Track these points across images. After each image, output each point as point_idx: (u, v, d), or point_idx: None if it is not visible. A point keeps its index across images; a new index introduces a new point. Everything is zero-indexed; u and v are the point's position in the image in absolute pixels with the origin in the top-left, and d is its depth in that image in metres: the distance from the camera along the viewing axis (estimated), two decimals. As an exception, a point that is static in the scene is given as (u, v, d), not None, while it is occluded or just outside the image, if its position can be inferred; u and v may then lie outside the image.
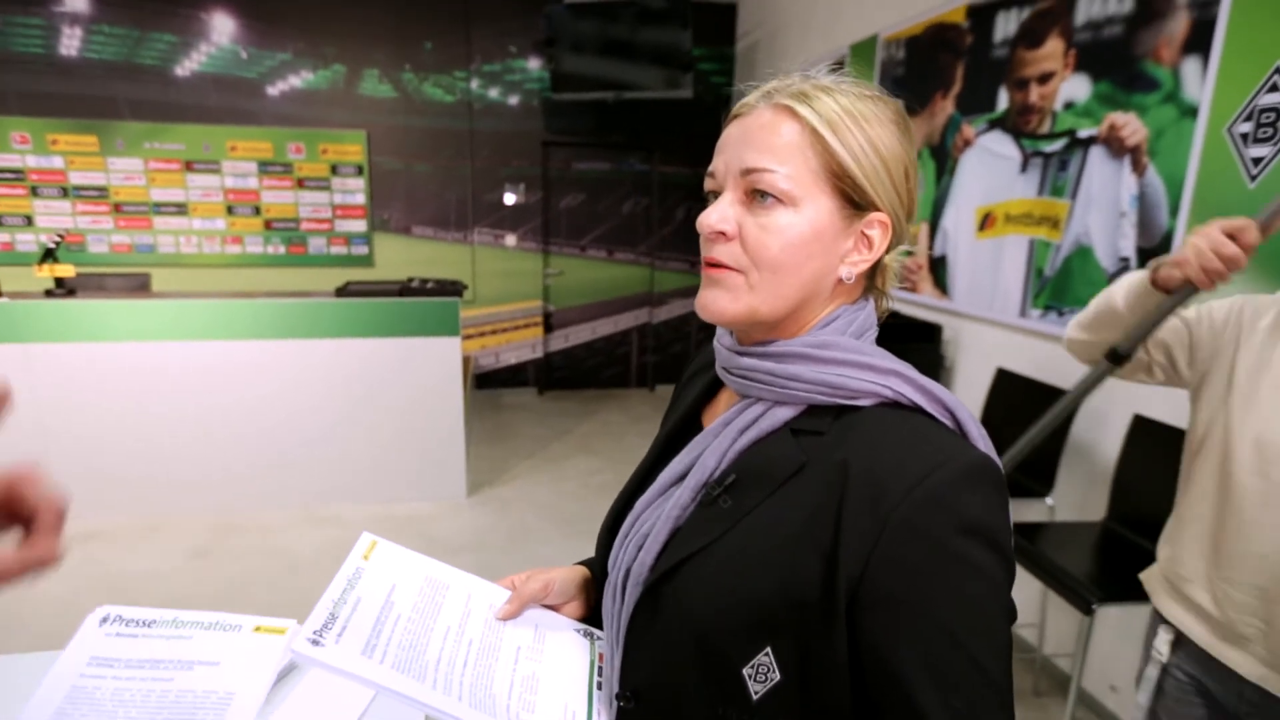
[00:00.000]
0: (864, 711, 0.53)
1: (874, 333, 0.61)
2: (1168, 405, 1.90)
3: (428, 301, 3.34)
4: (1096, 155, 2.11)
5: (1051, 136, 2.28)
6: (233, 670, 0.65)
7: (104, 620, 0.67)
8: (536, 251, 5.30)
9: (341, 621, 0.56)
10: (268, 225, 4.78)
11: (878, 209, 0.57)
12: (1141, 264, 1.95)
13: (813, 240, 0.56)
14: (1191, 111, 1.81)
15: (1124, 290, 1.12)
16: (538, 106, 5.03)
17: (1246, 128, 1.66)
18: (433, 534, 3.19)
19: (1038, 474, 2.20)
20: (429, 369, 3.39)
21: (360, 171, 4.82)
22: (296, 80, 4.65)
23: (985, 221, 2.62)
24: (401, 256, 5.00)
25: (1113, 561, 1.81)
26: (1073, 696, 1.75)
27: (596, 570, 0.72)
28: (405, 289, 3.37)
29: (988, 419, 2.46)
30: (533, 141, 5.10)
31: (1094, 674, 2.14)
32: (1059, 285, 2.27)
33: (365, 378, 3.35)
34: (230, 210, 4.71)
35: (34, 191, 4.46)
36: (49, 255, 3.23)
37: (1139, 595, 1.65)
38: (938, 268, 2.91)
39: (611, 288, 5.54)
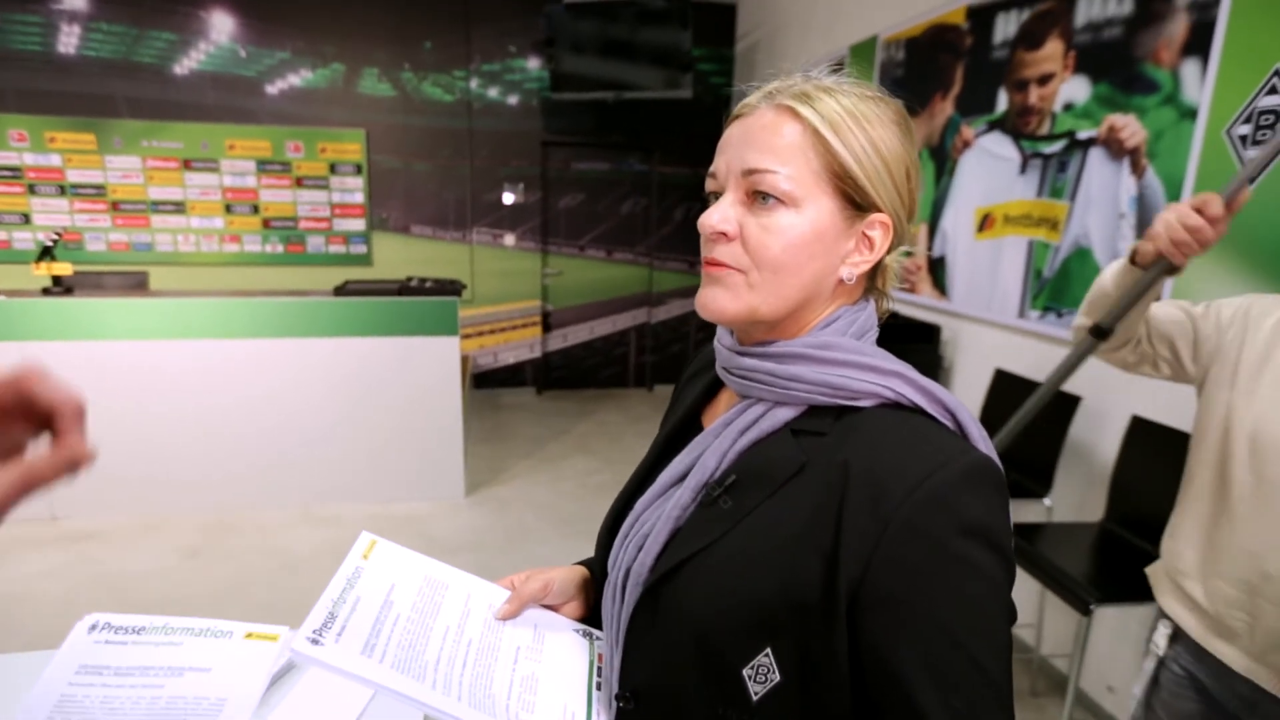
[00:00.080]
0: (864, 712, 0.53)
1: (874, 333, 0.61)
2: (1166, 406, 1.91)
3: (426, 301, 3.34)
4: (1096, 157, 2.12)
5: (1051, 138, 2.29)
6: (224, 676, 0.65)
7: (93, 628, 0.67)
8: (535, 251, 5.30)
9: (341, 621, 0.56)
10: (266, 224, 4.77)
11: (879, 210, 0.57)
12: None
13: (814, 241, 0.56)
14: (1191, 113, 1.81)
15: (1111, 272, 1.15)
16: (537, 106, 5.02)
17: (1245, 130, 1.66)
18: (431, 533, 3.19)
19: (1036, 475, 2.20)
20: (427, 368, 3.39)
21: (359, 170, 4.82)
22: (295, 79, 4.64)
23: (984, 222, 2.62)
24: (400, 256, 5.00)
25: (1111, 562, 1.81)
26: (1070, 697, 1.75)
27: (596, 570, 0.72)
28: (404, 288, 3.37)
29: (986, 420, 2.46)
30: (532, 141, 5.10)
31: (1091, 674, 2.14)
32: (1058, 286, 2.27)
33: (363, 377, 3.34)
34: (228, 209, 4.70)
35: (31, 189, 4.45)
36: (46, 253, 3.22)
37: (1137, 596, 1.67)
38: (937, 268, 2.91)
39: (610, 288, 5.54)
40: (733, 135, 0.58)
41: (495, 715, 0.57)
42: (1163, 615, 1.16)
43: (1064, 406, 2.16)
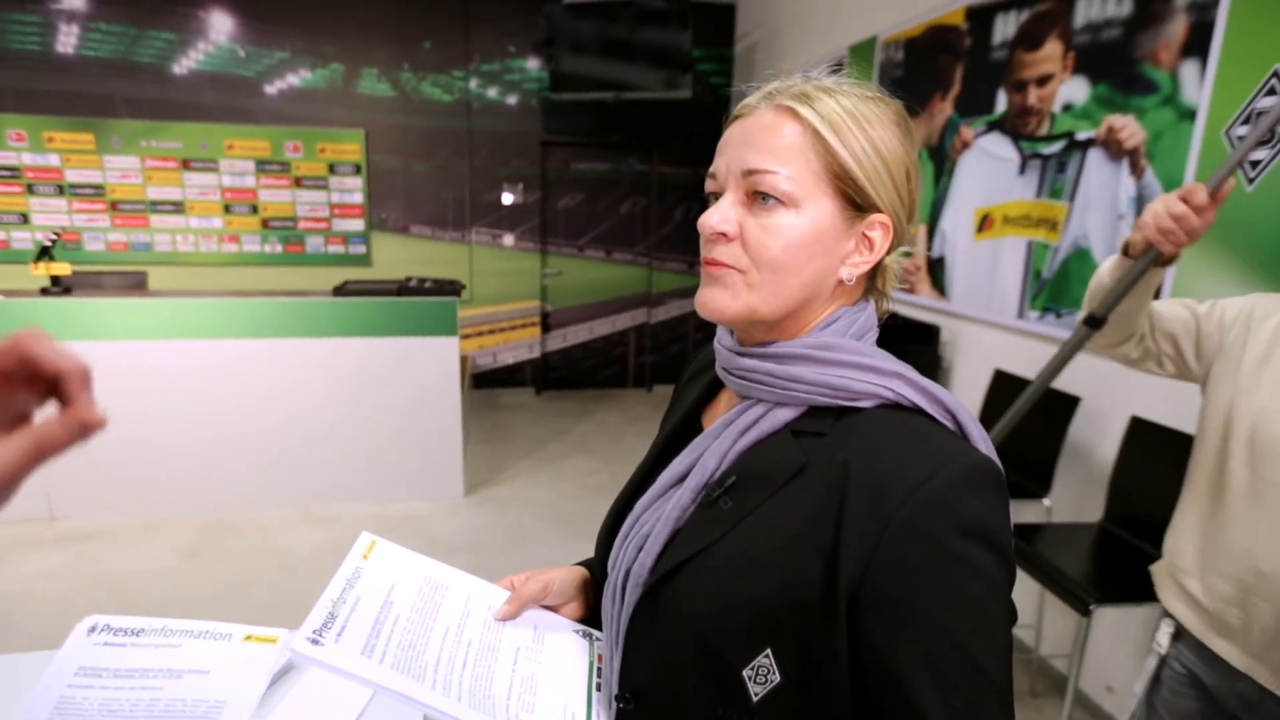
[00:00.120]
0: (864, 713, 0.53)
1: (874, 334, 0.61)
2: (1165, 407, 1.91)
3: (425, 301, 3.33)
4: (1095, 157, 2.12)
5: (1050, 138, 2.29)
6: (223, 679, 0.65)
7: (92, 629, 0.67)
8: (534, 251, 5.30)
9: (341, 621, 0.56)
10: (265, 224, 4.77)
11: (879, 210, 0.57)
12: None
13: (814, 241, 0.56)
14: (1190, 114, 1.82)
15: (1107, 266, 1.17)
16: (536, 106, 5.02)
17: (1244, 130, 1.66)
18: (430, 534, 3.19)
19: (1035, 475, 2.21)
20: (426, 369, 3.39)
21: (358, 170, 4.82)
22: (294, 79, 4.64)
23: (983, 223, 2.63)
24: (399, 256, 5.00)
25: (1110, 563, 1.81)
26: (1069, 697, 1.75)
27: (596, 571, 0.72)
28: (403, 288, 3.37)
29: (985, 420, 2.46)
30: (531, 141, 5.10)
31: (1091, 675, 2.14)
32: (1057, 287, 2.27)
33: (363, 377, 3.34)
34: (227, 209, 4.70)
35: (30, 189, 4.44)
36: (45, 253, 3.22)
37: (1136, 596, 1.67)
38: (936, 269, 2.91)
39: (609, 288, 5.54)
40: (732, 136, 0.58)
41: (495, 716, 0.57)
42: (1166, 614, 1.17)
43: (1063, 407, 2.17)
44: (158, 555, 2.92)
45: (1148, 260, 1.08)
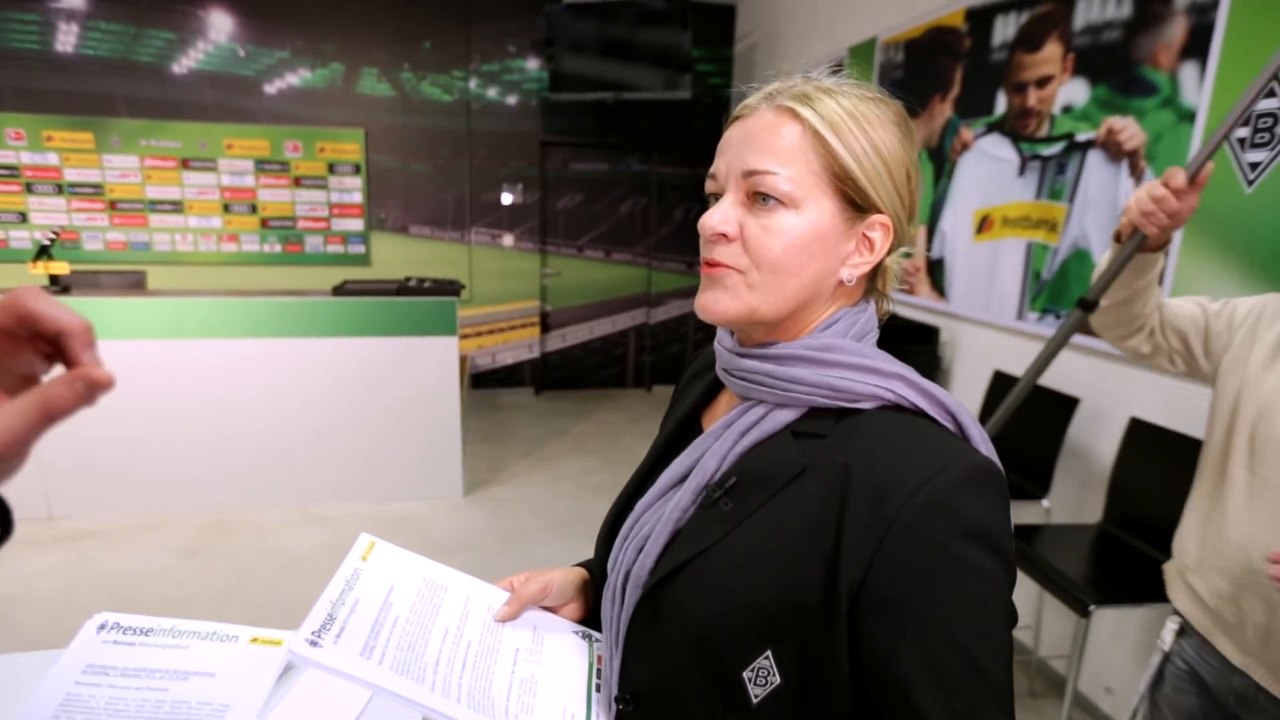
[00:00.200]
0: (864, 714, 0.53)
1: (875, 335, 0.61)
2: (1164, 408, 1.91)
3: (425, 301, 3.33)
4: (1094, 159, 2.12)
5: (1049, 140, 2.29)
6: (229, 682, 0.65)
7: (101, 627, 0.67)
8: (534, 251, 5.30)
9: (340, 622, 0.56)
10: (264, 223, 4.76)
11: (879, 211, 0.57)
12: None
13: (814, 242, 0.56)
14: (1189, 116, 1.82)
15: (1105, 255, 1.21)
16: (536, 106, 5.02)
17: (1244, 133, 1.67)
18: (429, 534, 3.19)
19: (1034, 476, 2.21)
20: (426, 369, 3.39)
21: (357, 170, 4.81)
22: (294, 78, 4.64)
23: (983, 224, 2.63)
24: (398, 256, 4.99)
25: (1109, 564, 1.81)
26: (1068, 698, 1.76)
27: (595, 572, 0.72)
28: (402, 288, 3.37)
29: (984, 421, 2.47)
30: (531, 141, 5.10)
31: (1089, 676, 2.14)
32: (1056, 288, 2.27)
33: (362, 377, 3.34)
34: (227, 208, 4.69)
35: (29, 188, 4.44)
36: (43, 252, 3.22)
37: (1135, 597, 1.67)
38: (935, 270, 2.92)
39: (609, 288, 5.54)
40: (733, 136, 0.58)
41: (494, 717, 0.57)
42: (1174, 611, 1.19)
43: (1062, 408, 2.17)
44: (156, 555, 2.91)
45: (1134, 243, 1.11)
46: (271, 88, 4.62)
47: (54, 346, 0.36)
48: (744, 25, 5.06)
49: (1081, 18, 2.16)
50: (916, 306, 3.04)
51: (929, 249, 2.94)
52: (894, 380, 0.56)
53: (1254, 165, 1.65)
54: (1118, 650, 2.04)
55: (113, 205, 4.55)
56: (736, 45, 5.19)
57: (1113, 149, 2.06)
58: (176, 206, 4.63)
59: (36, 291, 0.35)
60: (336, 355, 3.29)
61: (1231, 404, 1.07)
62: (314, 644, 0.53)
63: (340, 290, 3.36)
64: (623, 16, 4.46)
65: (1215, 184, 1.73)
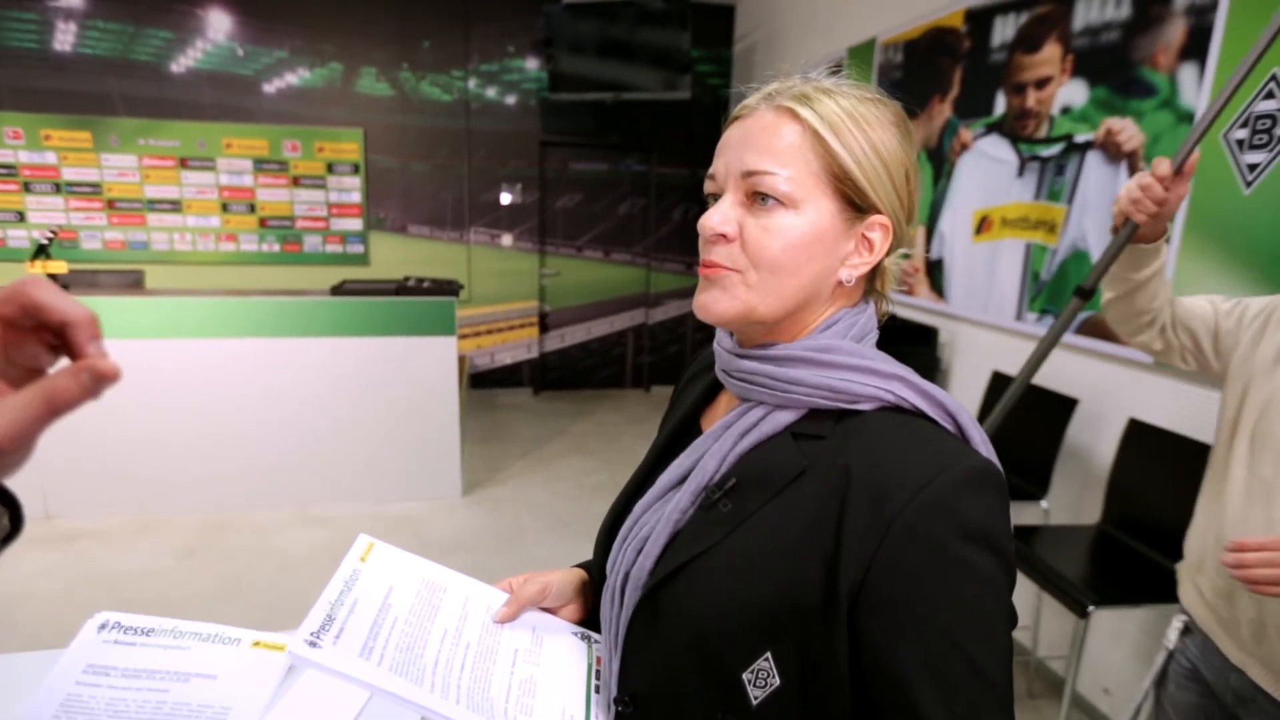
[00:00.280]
0: (864, 716, 0.53)
1: (874, 336, 0.61)
2: (1163, 409, 1.91)
3: (423, 301, 3.33)
4: (1093, 160, 2.12)
5: (1048, 141, 2.29)
6: (230, 685, 0.64)
7: (102, 626, 0.67)
8: (532, 251, 5.29)
9: (339, 623, 0.56)
10: (263, 223, 4.76)
11: (878, 211, 0.57)
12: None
13: (814, 242, 0.56)
14: (1188, 117, 1.82)
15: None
16: (535, 106, 5.02)
17: (1242, 134, 1.67)
18: (427, 534, 3.18)
19: (1033, 477, 2.21)
20: (424, 368, 3.38)
21: (356, 170, 4.81)
22: (293, 78, 4.63)
23: (982, 225, 2.63)
24: (397, 255, 4.99)
25: (1107, 565, 1.82)
26: (1067, 699, 1.76)
27: (594, 573, 0.72)
28: (401, 288, 3.36)
29: (983, 421, 2.47)
30: (530, 141, 5.10)
31: (1088, 677, 2.14)
32: (1055, 289, 2.28)
33: (360, 377, 3.34)
34: (225, 208, 4.69)
35: (27, 187, 4.43)
36: (41, 251, 3.21)
37: (1134, 598, 1.67)
38: (934, 271, 2.92)
39: (608, 288, 5.54)
40: (732, 137, 0.58)
41: (493, 718, 0.57)
42: (1181, 610, 1.20)
43: (1061, 409, 2.17)
44: (154, 555, 2.91)
45: (1126, 233, 1.14)
46: (270, 87, 4.61)
47: (59, 338, 0.35)
48: (743, 26, 5.06)
49: (1080, 19, 2.16)
50: (915, 307, 3.04)
51: (928, 250, 2.94)
52: (893, 381, 0.56)
53: (1252, 167, 1.65)
54: (1116, 651, 2.04)
55: (111, 204, 4.55)
56: (736, 46, 5.19)
57: (1112, 150, 2.06)
58: (175, 206, 4.62)
59: (42, 281, 0.34)
60: (335, 355, 3.29)
61: (1237, 403, 1.07)
62: (313, 645, 0.53)
63: (339, 290, 3.36)
64: (622, 16, 4.46)
65: (1214, 185, 1.74)
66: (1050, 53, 2.28)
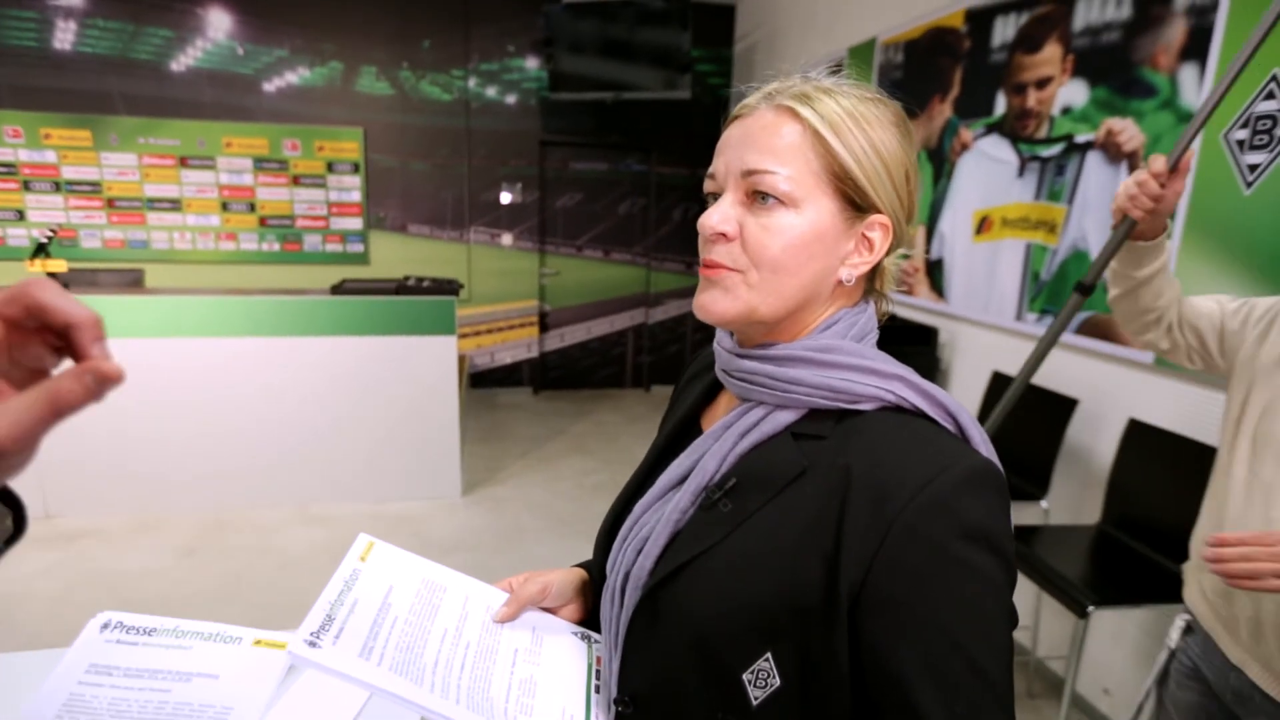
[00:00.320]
0: (864, 716, 0.52)
1: (875, 336, 0.61)
2: (1163, 410, 1.91)
3: (423, 300, 3.33)
4: (1093, 160, 2.12)
5: (1049, 141, 2.29)
6: (231, 684, 0.64)
7: (105, 626, 0.67)
8: (533, 251, 5.29)
9: (339, 623, 0.56)
10: (263, 222, 4.76)
11: (878, 211, 0.57)
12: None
13: (814, 241, 0.56)
14: (1188, 118, 1.82)
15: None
16: (535, 106, 5.02)
17: (1243, 134, 1.67)
18: (427, 533, 3.18)
19: (1033, 477, 2.21)
20: (424, 368, 3.38)
21: (356, 169, 4.81)
22: (293, 77, 4.63)
23: (982, 225, 2.63)
24: (397, 255, 4.99)
25: (1107, 565, 1.82)
26: (1066, 700, 1.76)
27: (594, 573, 0.72)
28: (401, 287, 3.36)
29: (981, 422, 2.47)
30: (530, 141, 5.09)
31: (1088, 677, 2.14)
32: (1055, 289, 2.28)
33: (360, 376, 3.34)
34: (225, 206, 4.69)
35: (26, 186, 4.43)
36: (41, 250, 3.21)
37: (1133, 599, 1.67)
38: (934, 271, 2.92)
39: (608, 288, 5.54)
40: (732, 136, 0.58)
41: (493, 718, 0.57)
42: (1186, 610, 1.20)
43: (1061, 409, 2.17)
44: (154, 554, 2.91)
45: (1124, 229, 1.16)
46: (270, 86, 4.61)
47: (63, 339, 0.35)
48: (744, 25, 5.06)
49: (1081, 19, 2.16)
50: (915, 307, 3.04)
51: (928, 250, 2.94)
52: (894, 381, 0.56)
53: (1253, 167, 1.65)
54: (1116, 651, 2.04)
55: (110, 203, 4.54)
56: (736, 45, 5.19)
57: (1112, 150, 2.06)
58: (175, 205, 4.62)
59: (46, 283, 0.34)
60: (335, 354, 3.29)
61: (1241, 404, 1.08)
62: (313, 644, 0.53)
63: (339, 289, 3.36)
64: (622, 16, 4.46)
65: (1215, 185, 1.74)
66: (1051, 53, 2.28)
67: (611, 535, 0.67)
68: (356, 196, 4.85)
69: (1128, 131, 2.00)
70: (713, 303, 0.57)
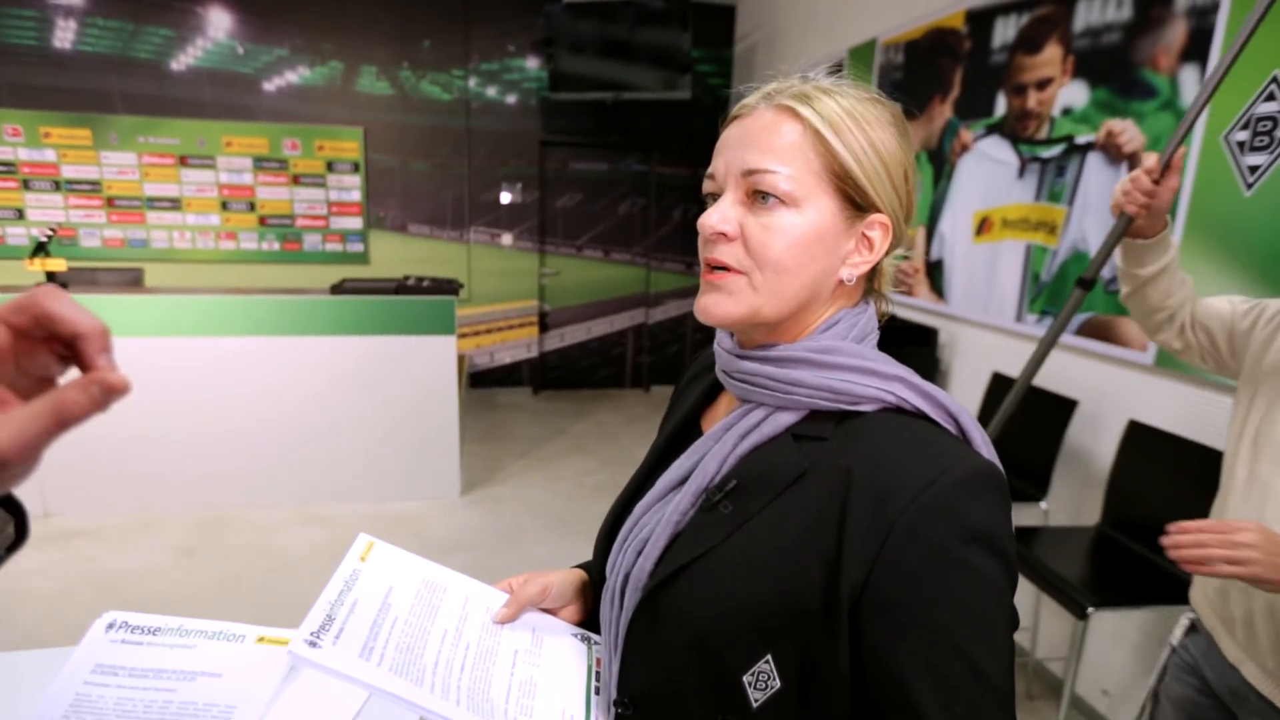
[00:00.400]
0: (865, 717, 0.52)
1: (875, 336, 0.61)
2: (1163, 411, 1.91)
3: (423, 300, 3.33)
4: (1094, 161, 2.12)
5: (1049, 142, 2.29)
6: (235, 683, 0.65)
7: (110, 626, 0.67)
8: (532, 251, 5.29)
9: (339, 623, 0.56)
10: (262, 221, 4.75)
11: (878, 210, 0.57)
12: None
13: (815, 241, 0.56)
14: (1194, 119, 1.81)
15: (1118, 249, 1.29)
16: (535, 106, 5.02)
17: (1243, 136, 1.67)
18: (426, 533, 3.18)
19: (1033, 478, 2.21)
20: (424, 367, 3.38)
21: (356, 169, 4.81)
22: (293, 76, 4.63)
23: (982, 226, 2.63)
24: (397, 254, 4.99)
25: (1107, 566, 1.82)
26: (1065, 701, 1.76)
27: (594, 574, 0.72)
28: (401, 287, 3.36)
29: (982, 422, 2.47)
30: (530, 141, 5.09)
31: (1087, 678, 2.14)
32: (1055, 290, 2.28)
33: (360, 376, 3.33)
34: (225, 206, 4.68)
35: (26, 185, 4.43)
36: (40, 249, 3.20)
37: (1133, 600, 1.67)
38: (934, 271, 2.92)
39: (607, 288, 5.54)
40: (731, 136, 0.58)
41: (493, 719, 0.56)
42: (1190, 610, 1.21)
43: (1061, 410, 2.17)
44: (153, 553, 2.91)
45: (1121, 225, 1.19)
46: (270, 85, 4.61)
47: (69, 349, 0.35)
48: (744, 26, 5.06)
49: (1081, 20, 2.16)
50: (915, 308, 3.04)
51: (928, 250, 2.94)
52: (895, 383, 0.56)
53: (1253, 169, 1.65)
54: (1115, 653, 2.04)
55: (110, 202, 4.54)
56: (736, 46, 5.19)
57: (1112, 151, 2.06)
58: (174, 204, 4.62)
59: (55, 292, 0.34)
60: (334, 354, 3.29)
61: (1247, 404, 1.09)
62: (313, 645, 0.53)
63: (338, 289, 3.36)
64: (622, 16, 4.46)
65: (1215, 187, 1.74)
66: (1051, 54, 2.28)
67: (611, 536, 0.67)
68: (356, 196, 4.85)
69: (1128, 133, 2.00)
70: (715, 305, 0.57)
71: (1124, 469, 1.95)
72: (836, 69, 0.61)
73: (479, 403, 5.18)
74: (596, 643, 0.70)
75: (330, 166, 4.76)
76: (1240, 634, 1.05)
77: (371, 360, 3.32)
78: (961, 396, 2.72)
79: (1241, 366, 1.13)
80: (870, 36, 3.34)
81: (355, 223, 4.89)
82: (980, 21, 2.61)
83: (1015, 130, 2.44)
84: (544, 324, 5.46)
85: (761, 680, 0.53)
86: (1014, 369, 2.47)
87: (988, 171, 2.59)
